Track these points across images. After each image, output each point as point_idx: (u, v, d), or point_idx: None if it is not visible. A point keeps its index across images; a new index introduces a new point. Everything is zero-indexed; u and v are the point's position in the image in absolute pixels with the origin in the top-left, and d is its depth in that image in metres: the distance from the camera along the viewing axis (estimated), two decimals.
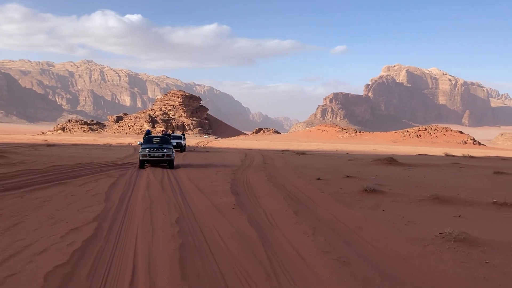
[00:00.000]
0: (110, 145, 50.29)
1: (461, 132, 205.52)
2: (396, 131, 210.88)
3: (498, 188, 15.58)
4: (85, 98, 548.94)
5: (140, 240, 7.13)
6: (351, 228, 8.33)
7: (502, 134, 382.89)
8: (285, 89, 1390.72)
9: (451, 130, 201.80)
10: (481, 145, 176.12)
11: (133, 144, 56.04)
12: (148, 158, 21.11)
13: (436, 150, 62.07)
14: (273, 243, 7.21)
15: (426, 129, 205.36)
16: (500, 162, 34.32)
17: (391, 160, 27.38)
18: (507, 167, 26.23)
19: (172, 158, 21.59)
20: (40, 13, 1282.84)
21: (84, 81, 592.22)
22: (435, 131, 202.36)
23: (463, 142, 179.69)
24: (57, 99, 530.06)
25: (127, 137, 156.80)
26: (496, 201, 11.48)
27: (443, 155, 43.57)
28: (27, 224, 7.93)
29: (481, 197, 12.52)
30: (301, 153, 40.81)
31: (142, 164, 21.03)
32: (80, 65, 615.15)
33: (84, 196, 11.31)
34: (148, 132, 27.16)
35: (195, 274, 5.61)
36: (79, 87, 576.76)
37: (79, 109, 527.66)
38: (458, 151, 54.04)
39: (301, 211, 9.93)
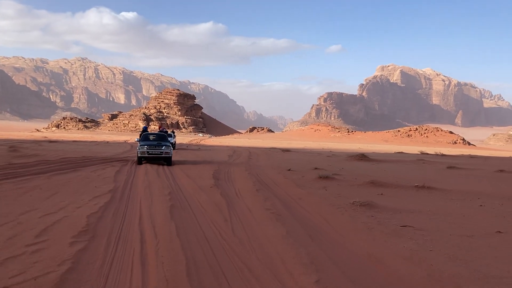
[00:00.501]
0: (107, 142, 53.34)
1: (451, 132, 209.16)
2: (387, 131, 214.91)
3: (434, 177, 18.99)
4: (79, 95, 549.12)
5: (143, 202, 10.43)
6: (294, 199, 11.67)
7: (494, 135, 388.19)
8: (280, 88, 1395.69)
9: (442, 130, 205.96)
10: (471, 145, 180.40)
11: (129, 141, 59.12)
12: (146, 155, 21.48)
13: (416, 148, 65.56)
14: (235, 206, 10.52)
15: (417, 129, 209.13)
16: (465, 159, 37.80)
17: (362, 157, 30.77)
18: (462, 163, 29.71)
19: (170, 155, 21.97)
20: (34, 10, 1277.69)
21: (78, 78, 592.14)
22: (425, 131, 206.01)
23: (453, 142, 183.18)
24: (51, 96, 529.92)
25: (122, 134, 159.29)
26: (417, 185, 14.87)
27: (419, 153, 47.09)
28: (62, 194, 11.17)
29: (412, 183, 15.87)
30: (286, 150, 44.15)
31: (140, 160, 21.56)
32: (75, 62, 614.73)
33: (97, 178, 14.57)
34: (145, 129, 26.91)
35: (180, 218, 8.91)
36: (73, 85, 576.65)
37: (73, 106, 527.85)
38: (436, 150, 57.60)
39: (262, 189, 13.27)
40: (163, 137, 23.84)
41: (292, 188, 13.87)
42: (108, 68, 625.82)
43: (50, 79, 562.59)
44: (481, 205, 11.55)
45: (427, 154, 45.50)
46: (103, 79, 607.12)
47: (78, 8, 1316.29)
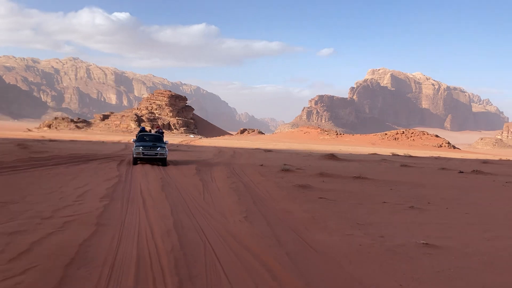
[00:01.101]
0: (103, 142, 57.09)
1: (437, 136, 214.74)
2: (375, 134, 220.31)
3: (375, 171, 23.23)
4: (71, 95, 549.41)
5: (142, 183, 14.50)
6: (254, 183, 15.80)
7: (481, 139, 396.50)
8: (272, 90, 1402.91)
9: (428, 134, 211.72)
10: (456, 149, 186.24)
11: (122, 141, 62.93)
12: (141, 156, 21.92)
13: (397, 151, 70.11)
14: (208, 186, 14.64)
15: (403, 133, 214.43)
16: (427, 160, 42.18)
17: (332, 156, 35.00)
18: (417, 163, 34.07)
19: (165, 156, 22.43)
20: (26, 9, 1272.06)
21: (69, 78, 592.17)
22: (412, 135, 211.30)
23: (439, 145, 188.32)
24: (41, 96, 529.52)
25: (114, 135, 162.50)
26: (355, 176, 19.06)
27: (390, 154, 51.53)
28: (81, 177, 15.18)
29: (353, 174, 20.03)
30: (268, 150, 48.32)
31: (135, 161, 22.04)
32: (66, 62, 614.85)
33: (104, 168, 18.60)
34: (143, 129, 27.77)
35: (168, 191, 12.99)
36: (64, 85, 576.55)
37: (64, 106, 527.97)
38: (406, 152, 62.19)
39: (232, 177, 17.39)
40: (158, 138, 24.28)
41: (256, 176, 17.99)
42: (100, 68, 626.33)
43: (41, 79, 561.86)
44: (391, 189, 15.76)
45: (397, 155, 49.96)
46: (94, 79, 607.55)
47: (70, 8, 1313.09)
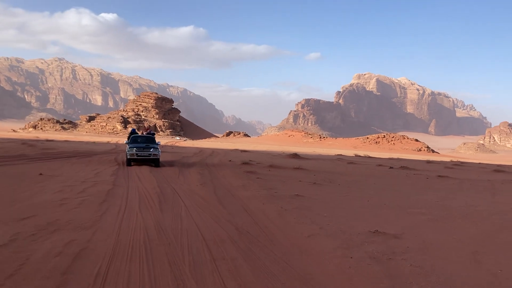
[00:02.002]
0: (94, 142, 62.90)
1: (416, 140, 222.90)
2: (357, 138, 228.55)
3: (321, 166, 29.77)
4: (56, 96, 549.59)
5: (137, 171, 20.77)
6: (216, 170, 22.17)
7: (464, 144, 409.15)
8: (260, 93, 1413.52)
9: (408, 138, 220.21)
10: (435, 153, 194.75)
11: (111, 142, 68.77)
12: (135, 157, 22.87)
13: (362, 153, 77.05)
14: (184, 173, 20.96)
15: (384, 136, 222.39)
16: (384, 160, 48.92)
17: (294, 155, 41.50)
18: (367, 161, 40.80)
19: (158, 157, 23.38)
20: (10, 8, 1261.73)
21: (55, 79, 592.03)
22: (393, 139, 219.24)
23: (418, 149, 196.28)
24: (26, 96, 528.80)
25: (101, 136, 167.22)
26: (295, 167, 25.53)
27: (353, 155, 58.39)
28: (91, 165, 21.35)
29: (295, 166, 26.45)
30: (244, 151, 54.69)
31: (129, 162, 22.89)
32: (51, 62, 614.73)
33: (106, 160, 24.80)
34: (133, 131, 28.36)
35: (154, 174, 19.27)
36: (49, 85, 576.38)
37: (48, 107, 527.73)
38: (366, 153, 69.27)
39: (202, 167, 23.75)
40: (151, 139, 25.02)
41: (220, 167, 24.35)
42: (86, 69, 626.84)
43: (26, 79, 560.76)
44: (314, 175, 22.21)
45: (359, 156, 56.79)
46: (80, 80, 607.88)
47: (57, 8, 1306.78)
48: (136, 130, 32.26)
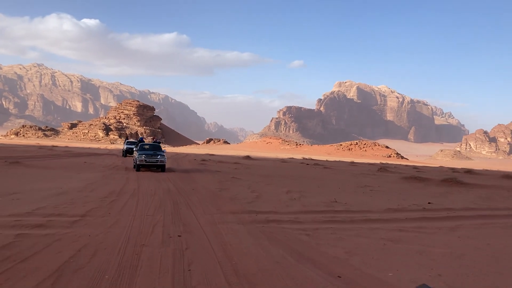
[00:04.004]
0: (89, 147, 77.30)
1: (387, 147, 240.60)
2: (331, 145, 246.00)
3: (255, 163, 45.05)
4: (34, 102, 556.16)
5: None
6: (183, 163, 37.36)
7: (441, 151, 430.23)
8: (242, 100, 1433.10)
9: (379, 145, 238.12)
10: (403, 158, 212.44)
11: (102, 148, 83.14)
12: (144, 163, 25.10)
13: (344, 159, 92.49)
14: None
15: (357, 144, 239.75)
16: (336, 163, 64.37)
17: (247, 157, 56.61)
18: (299, 161, 56.19)
19: (164, 163, 25.74)
20: None
21: (33, 85, 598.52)
22: (364, 146, 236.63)
23: (388, 155, 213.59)
24: (3, 102, 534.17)
25: (82, 143, 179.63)
26: (235, 162, 40.76)
27: (301, 158, 73.76)
28: (105, 159, 36.30)
29: (235, 162, 41.58)
30: (212, 154, 69.70)
31: (138, 168, 25.35)
32: (30, 68, 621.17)
33: (113, 157, 39.67)
34: (141, 140, 33.23)
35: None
36: (28, 91, 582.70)
37: (27, 113, 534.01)
38: (316, 157, 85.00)
39: (173, 162, 38.89)
40: (158, 147, 27.69)
41: (186, 162, 39.40)
42: (66, 75, 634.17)
43: (3, 85, 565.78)
44: (235, 168, 37.36)
45: (305, 158, 72.18)
46: (60, 86, 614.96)
47: (37, 13, 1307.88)
48: (144, 138, 42.11)
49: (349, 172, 34.80)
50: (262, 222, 10.44)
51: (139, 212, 11.02)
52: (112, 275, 5.81)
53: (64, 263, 6.23)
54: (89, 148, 75.35)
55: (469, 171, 39.83)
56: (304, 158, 71.82)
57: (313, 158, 75.51)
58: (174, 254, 7.09)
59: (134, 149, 30.22)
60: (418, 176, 28.28)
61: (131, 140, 43.90)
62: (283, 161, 53.13)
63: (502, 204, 16.54)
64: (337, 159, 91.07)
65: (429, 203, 15.87)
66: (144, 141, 30.81)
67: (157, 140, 32.44)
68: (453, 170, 47.14)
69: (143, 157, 25.14)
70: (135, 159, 26.14)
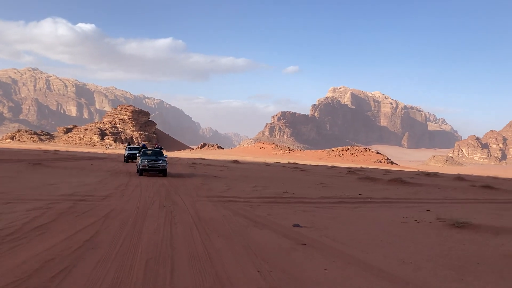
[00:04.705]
0: (88, 152, 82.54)
1: (378, 153, 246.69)
2: (323, 150, 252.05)
3: (240, 167, 50.57)
4: (29, 107, 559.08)
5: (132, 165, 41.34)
6: (173, 167, 42.79)
7: (434, 156, 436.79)
8: (237, 105, 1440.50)
9: (370, 151, 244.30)
10: (394, 164, 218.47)
11: (99, 152, 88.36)
12: (147, 168, 26.19)
13: (327, 164, 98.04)
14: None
15: (348, 149, 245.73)
16: (316, 167, 69.96)
17: (235, 161, 62.07)
18: (296, 167, 61.75)
19: (166, 168, 26.88)
20: None
21: (28, 89, 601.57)
22: (356, 151, 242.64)
23: (378, 161, 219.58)
24: None
25: (78, 147, 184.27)
26: (221, 165, 46.21)
27: (287, 162, 79.27)
28: (107, 163, 41.64)
29: (221, 165, 46.99)
30: (203, 159, 75.12)
31: (141, 172, 26.50)
32: (25, 72, 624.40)
33: (112, 162, 45.04)
34: (144, 146, 34.58)
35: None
36: (22, 95, 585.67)
37: (21, 118, 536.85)
38: (301, 162, 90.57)
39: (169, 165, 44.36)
40: (160, 153, 29.07)
41: (178, 165, 44.82)
42: (60, 79, 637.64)
43: None
44: (221, 170, 42.85)
45: (291, 163, 77.73)
46: (54, 90, 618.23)
47: (33, 18, 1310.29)
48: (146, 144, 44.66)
49: (320, 174, 40.33)
50: (224, 201, 15.95)
51: (143, 195, 16.50)
52: (133, 219, 11.21)
53: (106, 214, 11.66)
54: (88, 152, 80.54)
55: (428, 174, 45.47)
56: (289, 163, 77.34)
57: (297, 162, 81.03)
58: (166, 212, 12.58)
59: (137, 154, 31.66)
60: (372, 177, 33.83)
61: (133, 146, 47.75)
62: (267, 165, 58.64)
63: (414, 196, 22.08)
64: (323, 163, 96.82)
65: (359, 194, 21.33)
66: (146, 147, 32.89)
67: (159, 146, 34.89)
68: (417, 173, 52.74)
69: (146, 162, 26.53)
70: (138, 164, 27.61)
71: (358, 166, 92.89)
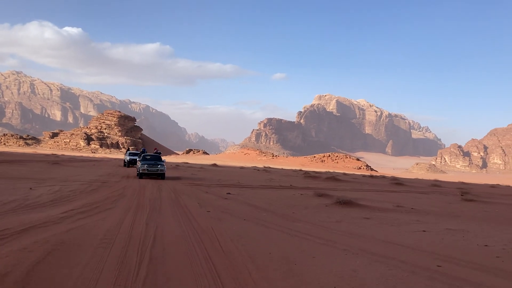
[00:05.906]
0: (86, 156, 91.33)
1: (358, 159, 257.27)
2: (305, 156, 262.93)
3: (219, 170, 60.27)
4: (12, 110, 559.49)
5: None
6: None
7: (417, 164, 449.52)
8: (224, 111, 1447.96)
9: (350, 157, 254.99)
10: (372, 170, 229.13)
11: (97, 156, 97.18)
12: (146, 172, 28.39)
13: (292, 167, 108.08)
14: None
15: (329, 156, 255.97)
16: (284, 170, 79.83)
17: (214, 165, 71.62)
18: (266, 170, 71.63)
19: (164, 172, 29.15)
20: None
21: (11, 92, 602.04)
22: (336, 158, 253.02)
23: (358, 167, 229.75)
24: None
25: (64, 152, 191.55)
26: (201, 167, 55.91)
27: (262, 166, 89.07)
28: (106, 163, 50.99)
29: (199, 167, 56.60)
30: (186, 162, 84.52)
31: (141, 176, 28.81)
32: (8, 76, 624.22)
33: (109, 164, 54.37)
34: (144, 151, 36.15)
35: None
36: (5, 99, 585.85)
37: (4, 122, 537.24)
38: (279, 167, 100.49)
39: None
40: (158, 158, 31.37)
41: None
42: (45, 83, 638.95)
43: None
44: (198, 170, 52.46)
45: (268, 167, 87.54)
46: (39, 94, 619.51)
47: (18, 20, 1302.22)
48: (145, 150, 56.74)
49: (280, 174, 50.17)
50: (194, 185, 25.74)
51: (142, 182, 26.20)
52: (138, 189, 20.89)
53: (123, 187, 21.39)
54: (81, 156, 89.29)
55: (371, 176, 55.70)
56: (264, 167, 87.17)
57: (271, 166, 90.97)
58: (156, 189, 22.36)
59: (137, 159, 33.51)
60: (315, 175, 43.80)
61: (133, 151, 52.59)
62: (242, 168, 68.39)
63: (328, 186, 31.99)
64: (301, 168, 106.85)
65: (290, 185, 31.14)
66: (146, 152, 35.01)
67: (158, 151, 38.34)
68: (369, 176, 62.98)
69: (145, 166, 28.70)
70: (138, 168, 29.70)
71: (333, 171, 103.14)
